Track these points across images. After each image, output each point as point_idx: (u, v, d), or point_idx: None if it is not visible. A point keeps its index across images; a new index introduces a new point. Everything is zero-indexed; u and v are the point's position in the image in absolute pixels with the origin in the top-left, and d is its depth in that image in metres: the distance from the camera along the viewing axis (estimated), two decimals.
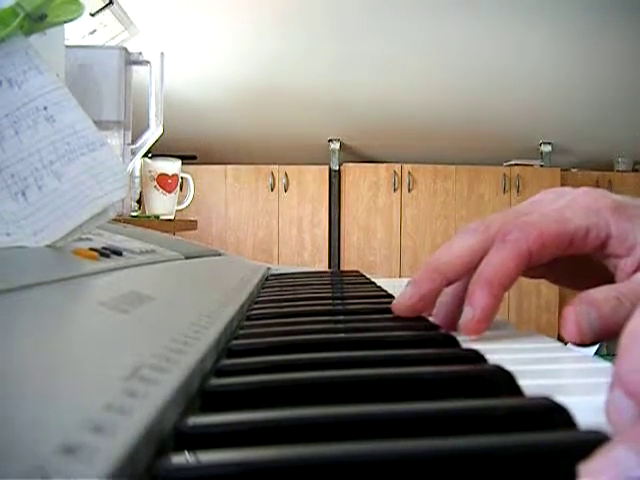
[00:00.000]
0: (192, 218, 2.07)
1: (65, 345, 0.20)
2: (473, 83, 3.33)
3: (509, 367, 0.22)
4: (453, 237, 0.34)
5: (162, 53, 1.39)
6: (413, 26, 2.96)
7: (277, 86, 3.28)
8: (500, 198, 3.60)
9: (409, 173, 3.56)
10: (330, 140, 3.75)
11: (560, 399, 0.18)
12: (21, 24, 0.37)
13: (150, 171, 1.58)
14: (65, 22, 0.40)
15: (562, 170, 3.68)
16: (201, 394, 0.20)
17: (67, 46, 0.91)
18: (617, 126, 3.67)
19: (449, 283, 0.33)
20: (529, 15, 2.89)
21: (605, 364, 0.24)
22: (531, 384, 0.21)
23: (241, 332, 0.31)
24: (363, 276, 0.65)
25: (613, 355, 0.18)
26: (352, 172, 3.57)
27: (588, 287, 0.28)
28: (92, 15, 2.13)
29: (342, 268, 3.40)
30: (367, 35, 3.00)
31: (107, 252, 0.40)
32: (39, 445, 0.12)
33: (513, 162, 3.69)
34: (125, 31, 2.40)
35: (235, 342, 0.28)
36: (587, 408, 0.18)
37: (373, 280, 0.59)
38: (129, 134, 1.34)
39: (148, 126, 1.38)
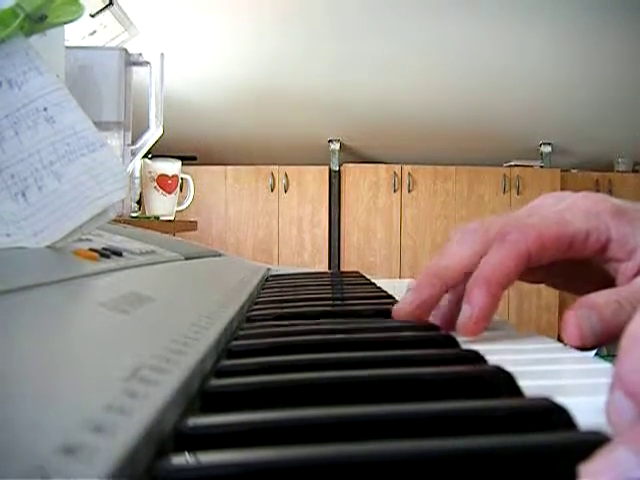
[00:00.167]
0: (192, 219, 2.07)
1: (65, 346, 0.20)
2: (473, 83, 3.32)
3: (509, 368, 0.22)
4: (452, 238, 0.34)
5: (162, 54, 1.39)
6: (413, 26, 2.96)
7: (277, 86, 3.28)
8: (500, 199, 3.60)
9: (409, 174, 3.56)
10: (330, 140, 3.74)
11: (560, 400, 0.18)
12: (21, 25, 0.37)
13: (150, 172, 1.57)
14: (65, 23, 0.40)
15: (562, 171, 3.68)
16: (201, 395, 0.20)
17: (67, 47, 0.91)
18: (617, 126, 3.67)
19: (449, 288, 0.34)
20: (529, 15, 2.89)
21: (605, 365, 0.24)
22: (531, 385, 0.21)
23: (241, 333, 0.31)
24: (363, 277, 0.65)
25: (613, 356, 0.18)
26: (352, 172, 3.57)
27: (588, 291, 0.28)
28: (92, 16, 2.13)
29: (342, 268, 3.40)
30: (367, 35, 3.00)
31: (107, 253, 0.40)
32: (39, 445, 0.12)
33: (513, 163, 3.69)
34: (125, 32, 2.40)
35: (235, 343, 0.28)
36: (587, 409, 0.18)
37: (373, 281, 0.59)
38: (129, 135, 1.34)
39: (148, 127, 1.38)
